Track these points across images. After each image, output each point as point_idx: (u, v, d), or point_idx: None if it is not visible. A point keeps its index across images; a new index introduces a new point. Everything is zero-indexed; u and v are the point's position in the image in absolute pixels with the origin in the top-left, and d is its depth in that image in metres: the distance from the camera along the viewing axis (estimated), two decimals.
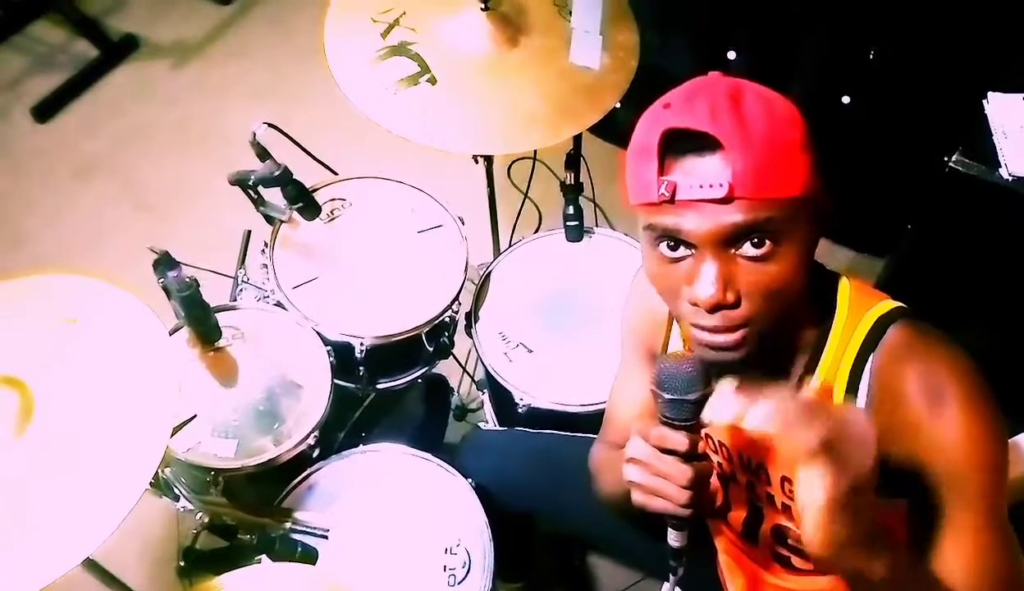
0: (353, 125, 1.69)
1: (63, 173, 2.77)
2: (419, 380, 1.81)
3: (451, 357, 1.85)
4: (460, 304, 1.73)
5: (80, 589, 1.31)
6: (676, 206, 0.85)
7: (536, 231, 2.00)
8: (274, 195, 1.65)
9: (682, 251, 0.88)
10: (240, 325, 1.62)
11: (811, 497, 0.80)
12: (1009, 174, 1.54)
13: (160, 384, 1.15)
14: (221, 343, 1.57)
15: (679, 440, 0.88)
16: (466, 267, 1.72)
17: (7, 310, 1.25)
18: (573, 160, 1.79)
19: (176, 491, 1.44)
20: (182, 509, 1.47)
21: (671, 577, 1.01)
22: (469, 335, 1.70)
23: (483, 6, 1.61)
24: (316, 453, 1.54)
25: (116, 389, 1.14)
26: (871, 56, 2.08)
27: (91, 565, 1.34)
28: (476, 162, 1.83)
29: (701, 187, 0.83)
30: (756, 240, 0.85)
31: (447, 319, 1.71)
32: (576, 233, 1.79)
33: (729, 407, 0.82)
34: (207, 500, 1.44)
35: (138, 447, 1.09)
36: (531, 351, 1.66)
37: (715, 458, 1.13)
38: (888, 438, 0.94)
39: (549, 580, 1.90)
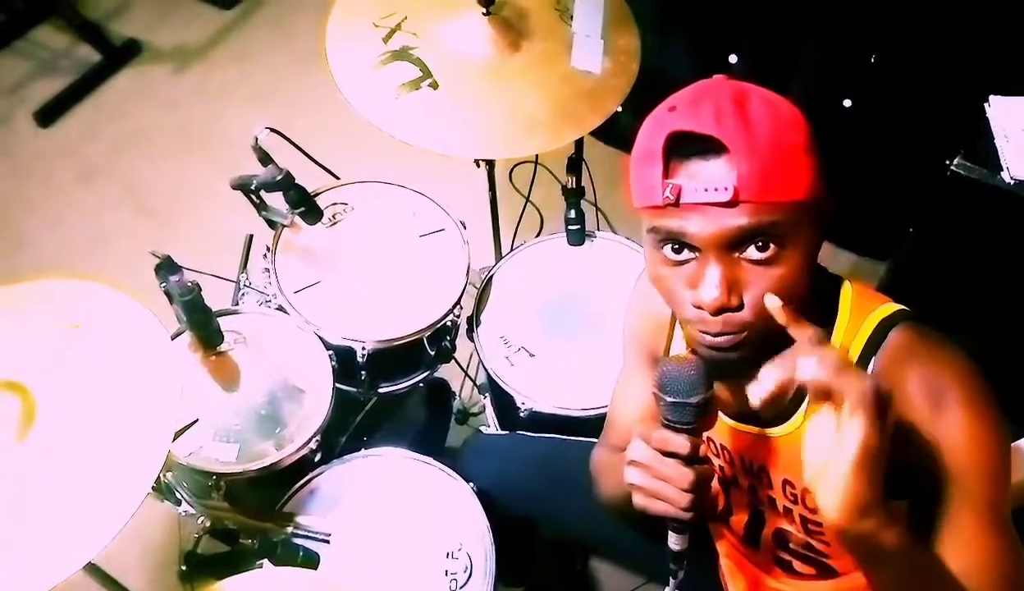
0: (355, 130, 1.69)
1: (65, 177, 2.77)
2: (421, 384, 1.80)
3: (453, 361, 1.84)
4: (462, 308, 1.73)
5: None
6: (681, 209, 0.85)
7: (538, 235, 2.01)
8: (276, 199, 1.65)
9: (686, 254, 0.88)
10: (242, 329, 1.62)
11: (846, 452, 0.77)
12: (1011, 178, 1.54)
13: (162, 388, 1.15)
14: (223, 347, 1.57)
15: (681, 443, 0.88)
16: (468, 271, 1.72)
17: (9, 315, 1.25)
18: (575, 164, 1.79)
19: (178, 495, 1.44)
20: (184, 513, 1.47)
21: (672, 580, 1.01)
22: (471, 339, 1.70)
23: (484, 11, 1.61)
24: (318, 457, 1.54)
25: (118, 393, 1.15)
26: (872, 60, 2.08)
27: (93, 569, 1.34)
28: (478, 166, 1.83)
29: (706, 190, 0.83)
30: (760, 243, 0.85)
31: (449, 323, 1.71)
32: (578, 237, 1.79)
33: (774, 373, 0.82)
34: (209, 504, 1.44)
35: (140, 451, 1.09)
36: (533, 355, 1.66)
37: (717, 461, 1.12)
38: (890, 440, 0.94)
39: (551, 584, 1.90)
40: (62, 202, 2.71)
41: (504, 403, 1.64)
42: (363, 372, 1.66)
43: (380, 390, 1.75)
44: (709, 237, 0.85)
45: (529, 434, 1.58)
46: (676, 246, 0.88)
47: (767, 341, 0.90)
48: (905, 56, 2.05)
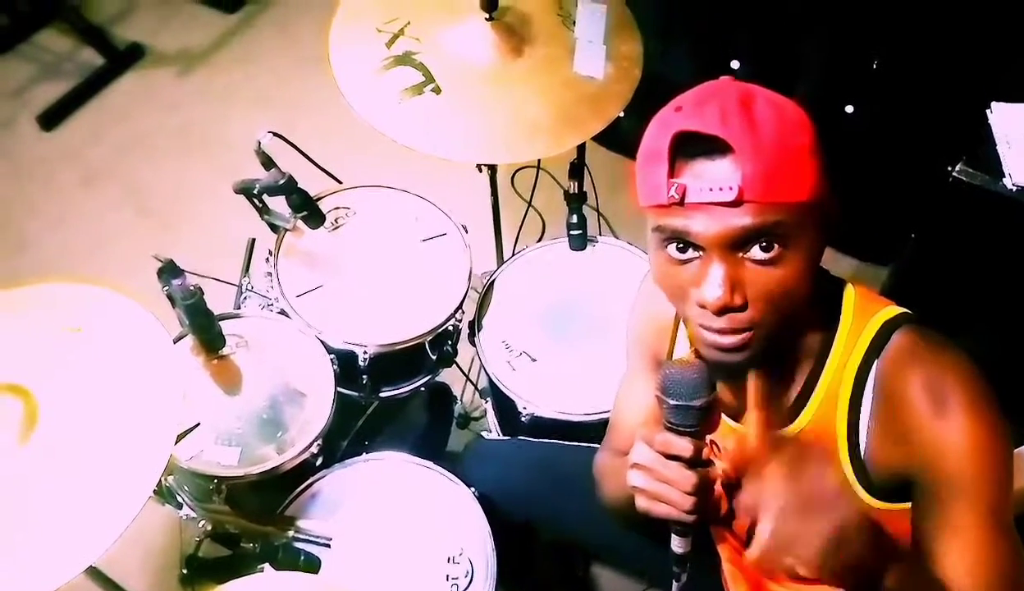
0: (357, 134, 1.70)
1: (68, 180, 2.78)
2: (422, 388, 1.80)
3: (454, 365, 1.84)
4: (463, 312, 1.73)
5: None
6: (685, 208, 0.85)
7: (539, 240, 2.00)
8: (278, 203, 1.65)
9: (690, 253, 0.88)
10: (244, 333, 1.62)
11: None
12: (1013, 184, 1.54)
13: (164, 392, 1.15)
14: (225, 351, 1.57)
15: (684, 446, 0.89)
16: (469, 275, 1.72)
17: (12, 318, 1.25)
18: (577, 169, 1.79)
19: (179, 499, 1.44)
20: (185, 517, 1.47)
21: (674, 583, 1.01)
22: (472, 344, 1.70)
23: (488, 16, 1.62)
24: (319, 461, 1.53)
25: (120, 397, 1.15)
26: (874, 65, 2.08)
27: (94, 573, 1.34)
28: (480, 171, 1.84)
29: (711, 190, 0.83)
30: (764, 244, 0.85)
31: (450, 327, 1.72)
32: (580, 242, 1.79)
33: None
34: (210, 508, 1.44)
35: (142, 455, 1.09)
36: (534, 360, 1.66)
37: (720, 464, 1.12)
38: (892, 442, 0.94)
39: (552, 589, 1.89)
40: (64, 205, 2.71)
41: (505, 408, 1.64)
42: (365, 376, 1.66)
43: (381, 394, 1.75)
44: (713, 236, 0.85)
45: (530, 439, 1.58)
46: (680, 245, 0.88)
47: (771, 343, 0.90)
48: (907, 62, 2.06)
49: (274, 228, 1.72)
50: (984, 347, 1.03)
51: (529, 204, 2.10)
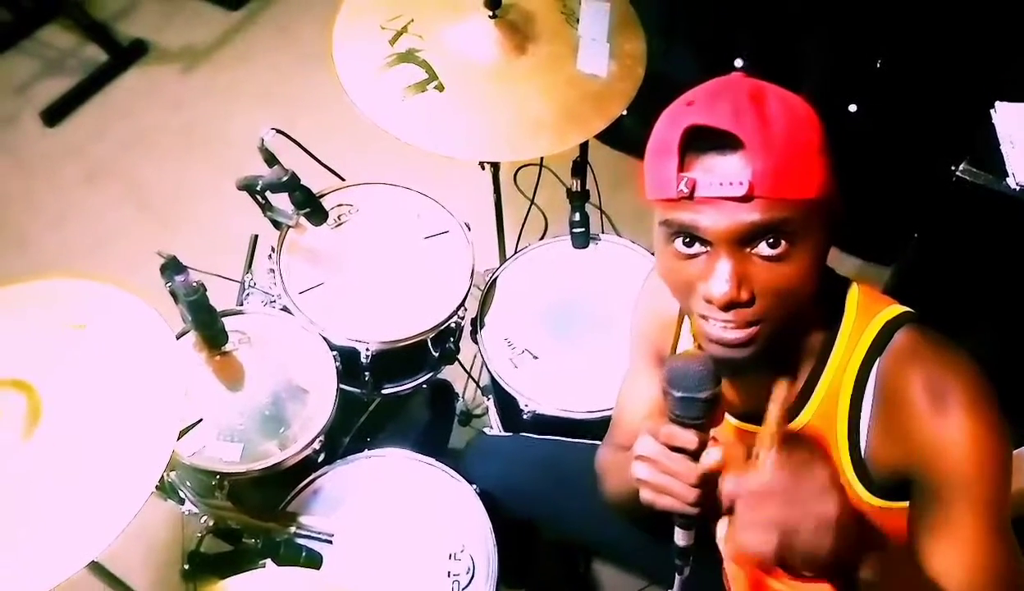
0: (360, 131, 1.70)
1: (71, 176, 2.78)
2: (424, 385, 1.81)
3: (456, 363, 1.85)
4: (466, 310, 1.73)
5: None
6: (694, 203, 0.85)
7: (542, 237, 2.01)
8: (281, 200, 1.65)
9: (697, 248, 0.88)
10: (246, 329, 1.62)
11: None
12: (1016, 184, 1.54)
13: (166, 388, 1.16)
14: (227, 347, 1.58)
15: (688, 438, 0.89)
16: (472, 273, 1.72)
17: (15, 314, 1.25)
18: (579, 167, 1.79)
19: (181, 495, 1.45)
20: (187, 513, 1.47)
21: (677, 577, 1.01)
22: (475, 341, 1.70)
23: (491, 14, 1.62)
24: (321, 458, 1.54)
25: (123, 392, 1.15)
26: (878, 65, 2.08)
27: (96, 568, 1.35)
28: (483, 168, 1.84)
29: (721, 185, 0.83)
30: (772, 240, 0.85)
31: (453, 325, 1.72)
32: (582, 240, 1.79)
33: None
34: (212, 504, 1.44)
35: (144, 450, 1.09)
36: (536, 357, 1.66)
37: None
38: (892, 441, 0.94)
39: (553, 587, 1.90)
40: (67, 201, 2.71)
41: (507, 405, 1.65)
42: (367, 373, 1.66)
43: (384, 391, 1.75)
44: (722, 231, 0.85)
45: (532, 436, 1.58)
46: (688, 239, 0.88)
47: (775, 339, 0.90)
48: (911, 61, 2.05)
49: (277, 225, 1.72)
50: (986, 347, 1.04)
51: (532, 202, 2.10)
